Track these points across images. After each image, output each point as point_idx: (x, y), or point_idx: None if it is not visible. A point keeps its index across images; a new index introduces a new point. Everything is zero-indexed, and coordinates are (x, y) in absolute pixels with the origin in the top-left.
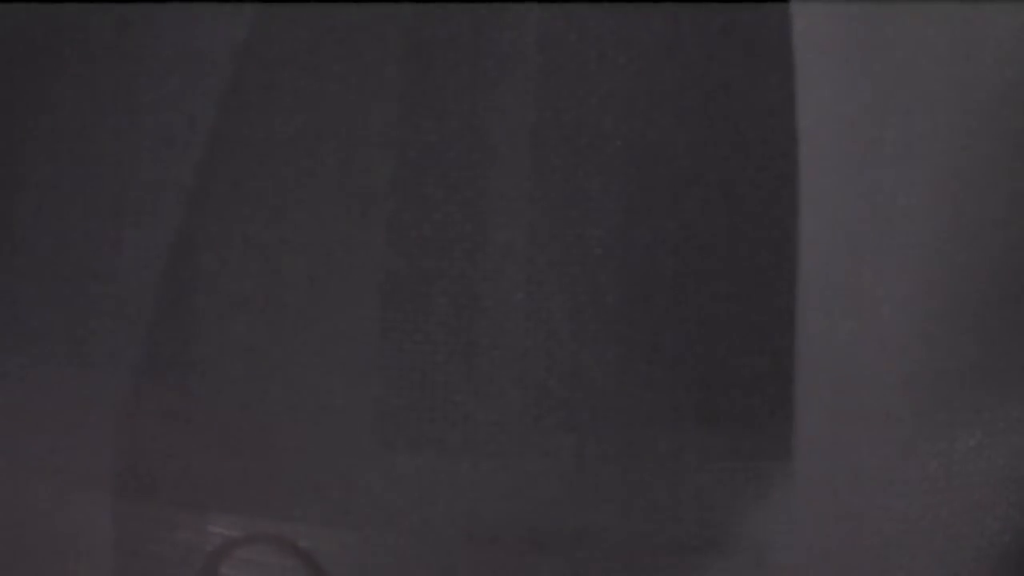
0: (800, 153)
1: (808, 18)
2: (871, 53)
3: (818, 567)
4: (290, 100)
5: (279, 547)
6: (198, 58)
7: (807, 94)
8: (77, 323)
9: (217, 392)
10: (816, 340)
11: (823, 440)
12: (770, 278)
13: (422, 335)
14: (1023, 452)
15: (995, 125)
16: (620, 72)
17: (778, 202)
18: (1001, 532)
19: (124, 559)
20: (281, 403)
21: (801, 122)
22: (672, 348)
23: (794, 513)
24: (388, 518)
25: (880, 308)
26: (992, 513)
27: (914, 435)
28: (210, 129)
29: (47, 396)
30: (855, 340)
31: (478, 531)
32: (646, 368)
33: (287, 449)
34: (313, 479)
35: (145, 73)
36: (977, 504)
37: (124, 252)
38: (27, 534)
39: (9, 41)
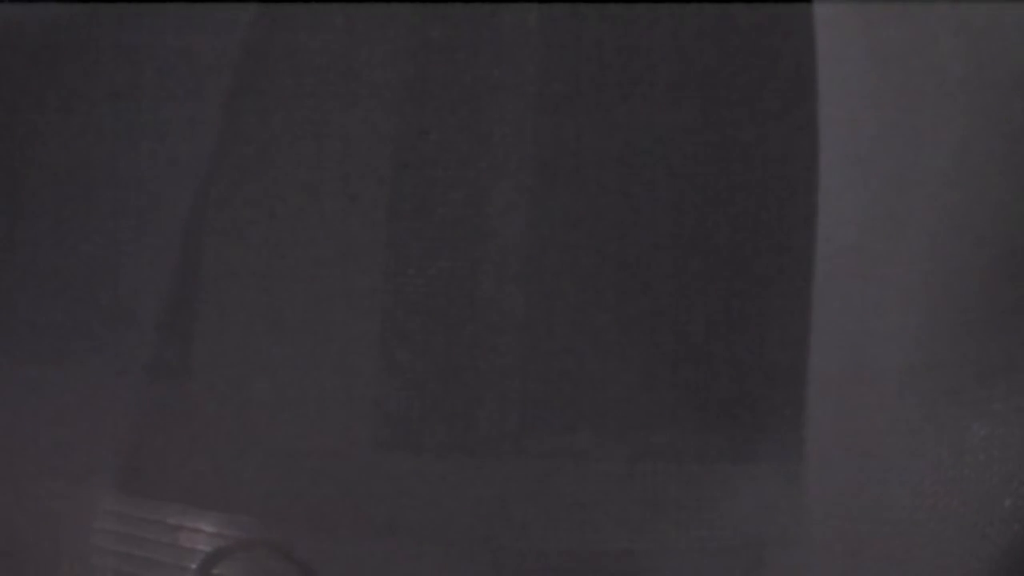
0: (813, 154)
1: (829, 17)
2: (893, 52)
3: (828, 557)
4: (290, 101)
5: (273, 553)
6: (198, 59)
7: (825, 94)
8: (79, 324)
9: (217, 393)
10: (826, 335)
11: (832, 433)
12: (779, 275)
13: (422, 337)
14: None
15: (1011, 124)
16: (635, 70)
17: (790, 201)
18: (1010, 521)
19: (121, 559)
20: (280, 405)
21: (818, 123)
22: (679, 347)
23: (803, 507)
24: (386, 522)
25: (890, 302)
26: (1002, 503)
27: (924, 427)
28: (211, 131)
29: (47, 396)
30: (865, 334)
31: (477, 534)
32: (649, 368)
33: (286, 451)
34: (313, 481)
35: (146, 73)
36: (987, 494)
37: (125, 254)
38: (26, 534)
39: (9, 41)
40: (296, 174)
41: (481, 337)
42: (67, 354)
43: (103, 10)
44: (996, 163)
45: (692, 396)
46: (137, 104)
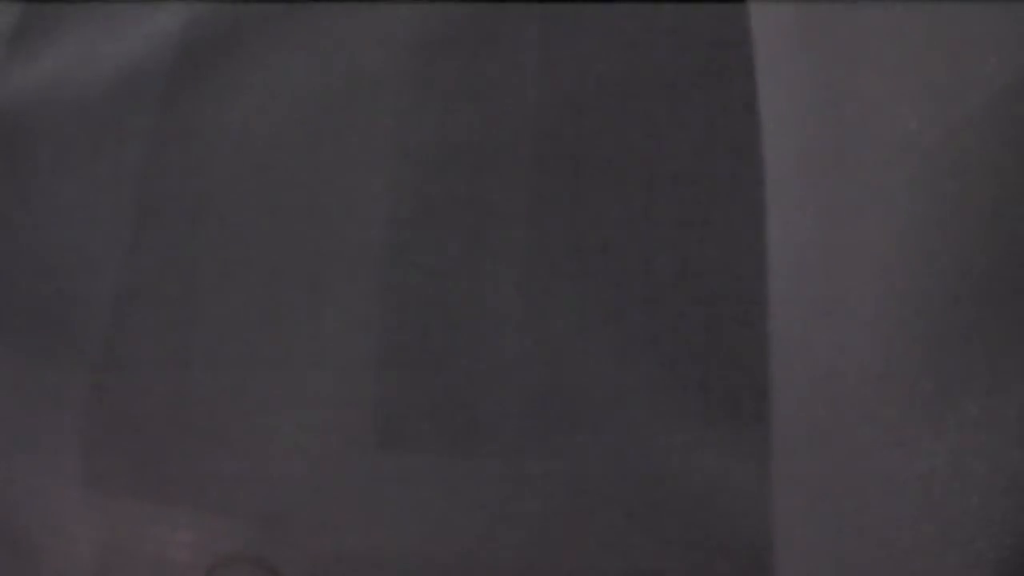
0: (759, 156)
1: (769, 17)
2: (834, 51)
3: (814, 569)
4: (289, 100)
5: (258, 571)
6: (196, 56)
7: (790, 95)
8: (70, 321)
9: (212, 390)
10: (814, 341)
11: (821, 441)
12: (765, 280)
13: (421, 334)
14: None
15: (985, 124)
16: (593, 72)
17: (741, 207)
18: (1001, 535)
19: (108, 559)
20: (278, 403)
21: (773, 121)
22: (667, 349)
23: (791, 514)
24: (386, 522)
25: (879, 306)
26: (993, 515)
27: (916, 436)
28: (201, 124)
29: (32, 393)
30: (853, 339)
31: (477, 534)
32: (643, 370)
33: (284, 450)
34: (310, 481)
35: (137, 65)
36: (978, 506)
37: (113, 248)
38: (9, 531)
39: None
40: (294, 170)
41: (480, 337)
42: (55, 349)
43: None
44: (979, 166)
45: (685, 398)
46: (119, 92)
